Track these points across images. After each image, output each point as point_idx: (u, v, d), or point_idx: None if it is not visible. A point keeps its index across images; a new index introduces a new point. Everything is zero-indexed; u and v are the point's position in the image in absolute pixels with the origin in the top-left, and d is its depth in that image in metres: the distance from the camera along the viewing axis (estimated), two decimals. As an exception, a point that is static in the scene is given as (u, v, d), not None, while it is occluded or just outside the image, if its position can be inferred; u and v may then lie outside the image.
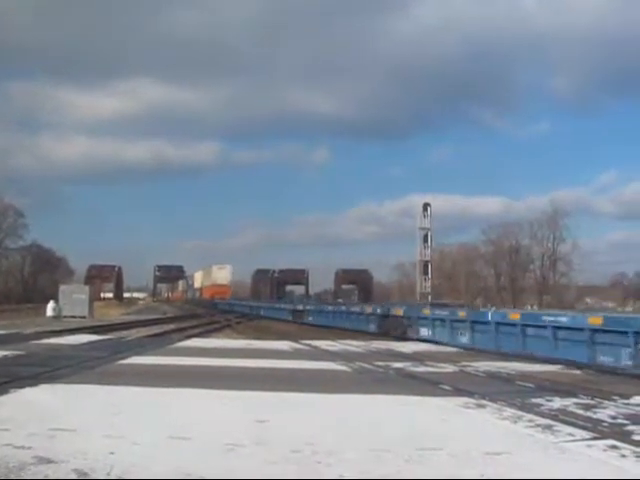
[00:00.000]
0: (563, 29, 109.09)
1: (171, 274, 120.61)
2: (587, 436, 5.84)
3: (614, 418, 6.83)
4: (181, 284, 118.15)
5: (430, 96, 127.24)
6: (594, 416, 6.93)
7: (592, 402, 7.88)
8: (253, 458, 4.86)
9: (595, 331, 11.91)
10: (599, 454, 5.18)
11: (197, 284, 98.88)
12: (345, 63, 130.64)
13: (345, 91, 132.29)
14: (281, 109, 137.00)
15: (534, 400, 7.90)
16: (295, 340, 18.44)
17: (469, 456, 5.05)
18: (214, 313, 48.15)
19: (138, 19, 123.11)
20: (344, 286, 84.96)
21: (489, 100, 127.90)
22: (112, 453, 4.84)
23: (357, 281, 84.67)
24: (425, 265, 50.75)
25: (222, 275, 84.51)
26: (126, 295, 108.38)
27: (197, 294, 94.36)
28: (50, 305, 34.57)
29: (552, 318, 13.59)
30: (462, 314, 17.58)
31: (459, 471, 4.62)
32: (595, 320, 12.06)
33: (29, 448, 4.91)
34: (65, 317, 33.09)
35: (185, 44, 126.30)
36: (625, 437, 5.78)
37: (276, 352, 14.61)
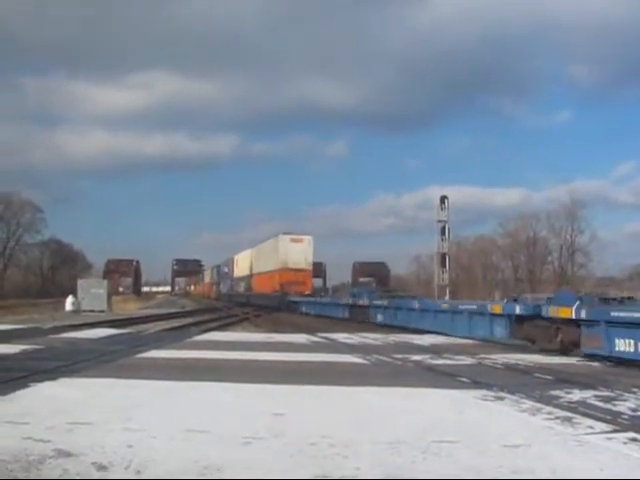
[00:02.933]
0: (584, 16, 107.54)
1: (188, 268, 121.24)
2: (607, 429, 5.79)
3: (634, 411, 6.77)
4: (209, 275, 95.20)
5: (447, 86, 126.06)
6: (614, 408, 6.87)
7: (612, 394, 7.82)
8: (270, 451, 4.87)
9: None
10: (619, 447, 5.13)
11: (240, 271, 64.63)
12: (361, 54, 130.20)
13: (362, 83, 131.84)
14: (298, 101, 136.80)
15: (553, 392, 7.85)
16: (312, 333, 18.47)
17: (487, 448, 5.02)
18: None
19: (152, 11, 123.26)
20: (361, 279, 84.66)
21: (507, 90, 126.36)
22: (130, 446, 4.86)
23: (374, 274, 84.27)
24: (443, 257, 50.48)
25: (299, 252, 47.34)
26: (144, 289, 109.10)
27: (242, 286, 62.46)
28: (69, 299, 34.89)
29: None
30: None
31: (476, 463, 4.60)
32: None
33: (49, 441, 4.95)
34: (84, 311, 33.36)
35: (200, 36, 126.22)
36: (645, 430, 5.73)
37: (294, 345, 14.65)
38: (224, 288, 75.44)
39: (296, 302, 40.00)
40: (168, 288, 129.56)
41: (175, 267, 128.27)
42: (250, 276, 58.25)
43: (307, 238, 48.02)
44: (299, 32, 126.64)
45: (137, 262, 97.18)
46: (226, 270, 74.52)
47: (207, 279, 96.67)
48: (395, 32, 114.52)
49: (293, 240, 47.56)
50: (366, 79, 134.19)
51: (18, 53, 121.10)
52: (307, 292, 44.65)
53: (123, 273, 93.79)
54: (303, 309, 37.72)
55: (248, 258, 60.05)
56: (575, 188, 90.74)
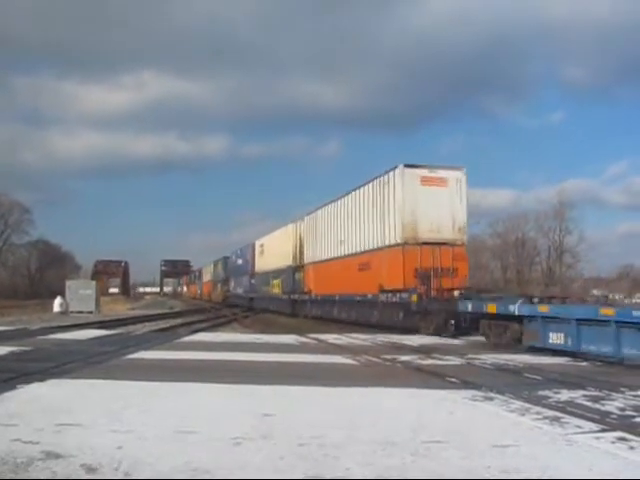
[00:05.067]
0: (577, 16, 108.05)
1: (177, 268, 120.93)
2: (595, 428, 5.83)
3: (622, 410, 6.82)
4: (209, 271, 72.71)
5: (441, 87, 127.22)
6: (602, 408, 6.91)
7: (600, 394, 7.86)
8: (260, 452, 4.86)
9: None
10: (607, 446, 5.17)
11: (269, 263, 39.21)
12: (355, 55, 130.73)
13: (355, 83, 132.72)
14: (291, 102, 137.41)
15: (542, 392, 7.89)
16: (301, 334, 18.44)
17: (476, 449, 5.04)
18: None
19: (144, 11, 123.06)
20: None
21: (500, 91, 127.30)
22: (120, 448, 4.84)
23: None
24: (432, 258, 50.46)
25: (441, 205, 20.00)
26: (133, 290, 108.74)
27: (276, 286, 37.65)
28: (57, 301, 34.73)
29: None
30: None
31: (466, 464, 4.61)
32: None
33: (37, 443, 4.93)
34: (72, 312, 33.23)
35: (192, 37, 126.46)
36: (633, 429, 5.76)
37: (283, 346, 14.62)
38: (238, 288, 52.37)
39: (525, 318, 13.35)
40: (157, 289, 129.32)
41: (163, 268, 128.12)
42: (298, 267, 33.21)
43: (455, 175, 20.91)
44: (293, 33, 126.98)
45: (126, 263, 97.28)
46: (240, 262, 50.64)
47: (207, 277, 75.03)
48: (390, 33, 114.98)
49: (427, 181, 20.58)
50: (360, 80, 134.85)
51: (8, 52, 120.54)
52: (462, 286, 19.07)
53: (112, 274, 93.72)
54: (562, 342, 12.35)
55: (290, 238, 34.42)
56: (564, 189, 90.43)
